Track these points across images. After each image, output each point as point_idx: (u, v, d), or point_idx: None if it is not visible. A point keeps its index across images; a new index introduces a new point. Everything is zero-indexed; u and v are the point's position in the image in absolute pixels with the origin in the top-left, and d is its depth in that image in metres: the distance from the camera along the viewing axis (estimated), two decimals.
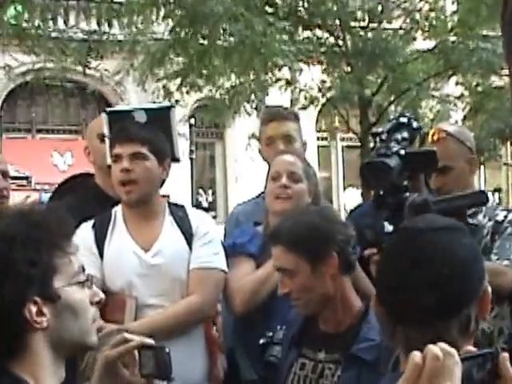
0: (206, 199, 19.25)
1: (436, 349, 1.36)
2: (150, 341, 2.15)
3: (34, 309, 1.80)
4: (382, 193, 2.80)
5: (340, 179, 21.22)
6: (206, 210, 15.04)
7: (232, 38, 12.44)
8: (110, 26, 15.99)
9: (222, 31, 12.53)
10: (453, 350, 1.36)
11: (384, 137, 2.85)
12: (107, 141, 3.42)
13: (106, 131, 3.45)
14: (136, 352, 2.07)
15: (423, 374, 1.34)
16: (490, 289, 1.78)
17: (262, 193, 3.60)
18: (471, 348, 1.48)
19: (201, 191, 19.17)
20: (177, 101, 13.98)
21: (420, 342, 1.60)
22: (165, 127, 3.42)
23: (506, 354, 1.42)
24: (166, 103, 2.89)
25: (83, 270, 1.93)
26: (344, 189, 20.71)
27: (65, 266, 1.86)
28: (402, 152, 2.77)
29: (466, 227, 1.89)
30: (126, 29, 15.16)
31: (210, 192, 19.68)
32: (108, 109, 3.57)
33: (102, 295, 2.01)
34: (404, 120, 2.95)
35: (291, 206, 3.33)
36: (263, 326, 3.17)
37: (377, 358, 2.68)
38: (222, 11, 11.54)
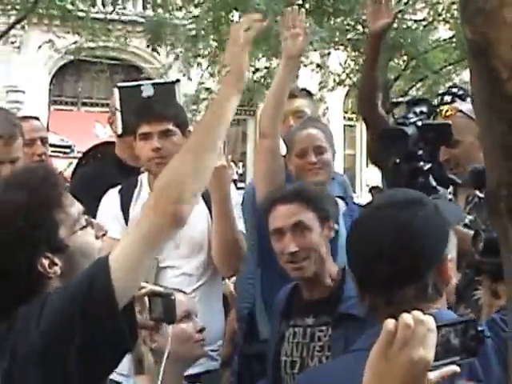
0: (237, 172, 19.73)
1: (407, 317, 1.32)
2: (159, 288, 2.36)
3: (46, 262, 1.98)
4: (397, 161, 2.85)
5: (363, 157, 21.29)
6: (236, 181, 15.52)
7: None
8: (155, 10, 16.25)
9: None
10: (426, 317, 1.33)
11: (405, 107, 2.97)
12: (118, 113, 3.52)
13: (117, 105, 3.53)
14: (146, 298, 2.29)
15: (395, 343, 1.32)
16: (452, 256, 1.85)
17: None
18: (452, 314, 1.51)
19: (232, 164, 19.54)
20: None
21: (385, 307, 1.77)
22: (170, 100, 3.48)
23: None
24: (172, 79, 3.20)
25: (83, 213, 2.09)
26: (367, 166, 20.57)
27: (65, 219, 2.01)
28: (419, 123, 2.86)
29: (433, 201, 1.94)
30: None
31: (240, 165, 20.14)
32: (119, 84, 3.64)
33: (106, 227, 2.18)
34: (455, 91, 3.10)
35: (322, 177, 3.40)
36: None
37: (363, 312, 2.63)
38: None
